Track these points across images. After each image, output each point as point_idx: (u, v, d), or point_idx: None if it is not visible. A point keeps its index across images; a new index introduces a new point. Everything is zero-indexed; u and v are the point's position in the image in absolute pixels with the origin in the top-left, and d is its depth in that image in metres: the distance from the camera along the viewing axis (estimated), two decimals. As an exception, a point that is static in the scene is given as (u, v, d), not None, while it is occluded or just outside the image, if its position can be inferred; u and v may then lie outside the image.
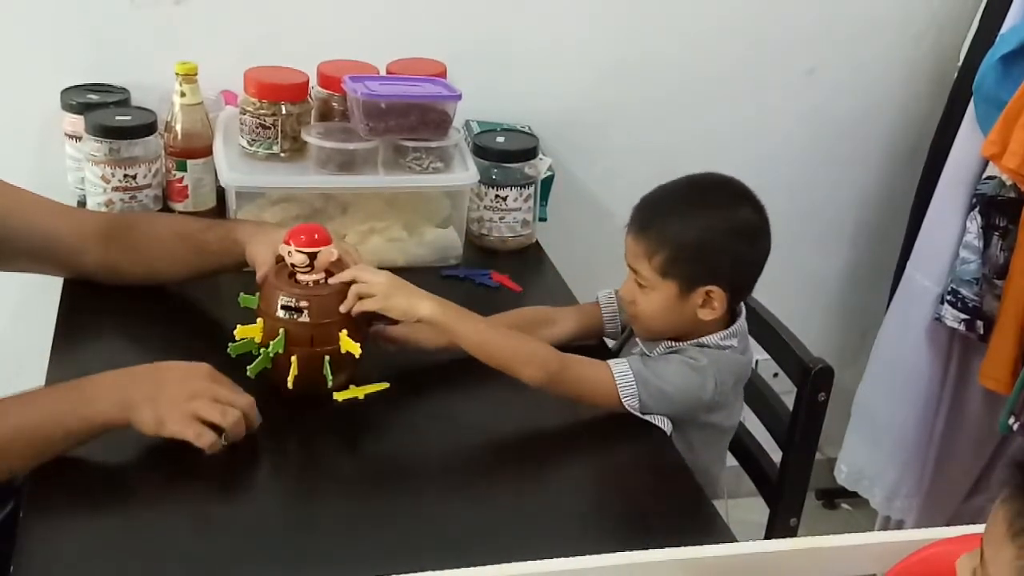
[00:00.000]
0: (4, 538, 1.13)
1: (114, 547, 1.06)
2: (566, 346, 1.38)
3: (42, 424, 1.12)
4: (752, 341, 1.50)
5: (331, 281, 1.28)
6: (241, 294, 1.33)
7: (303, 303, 1.26)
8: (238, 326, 1.27)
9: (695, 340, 1.36)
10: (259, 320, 1.28)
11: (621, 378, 1.30)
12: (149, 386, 1.15)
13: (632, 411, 1.30)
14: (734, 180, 1.36)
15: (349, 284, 1.28)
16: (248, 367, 1.27)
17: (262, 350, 1.27)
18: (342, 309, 1.27)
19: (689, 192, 1.36)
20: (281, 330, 1.25)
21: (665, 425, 1.33)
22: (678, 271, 1.31)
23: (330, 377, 1.27)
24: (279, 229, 1.37)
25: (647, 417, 1.31)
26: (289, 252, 1.27)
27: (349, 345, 1.26)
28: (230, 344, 1.28)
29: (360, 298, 1.27)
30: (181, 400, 1.14)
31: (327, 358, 1.26)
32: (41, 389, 1.16)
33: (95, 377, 1.16)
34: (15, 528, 1.09)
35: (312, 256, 1.27)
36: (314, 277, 1.28)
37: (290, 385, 1.25)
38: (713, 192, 1.36)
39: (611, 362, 1.32)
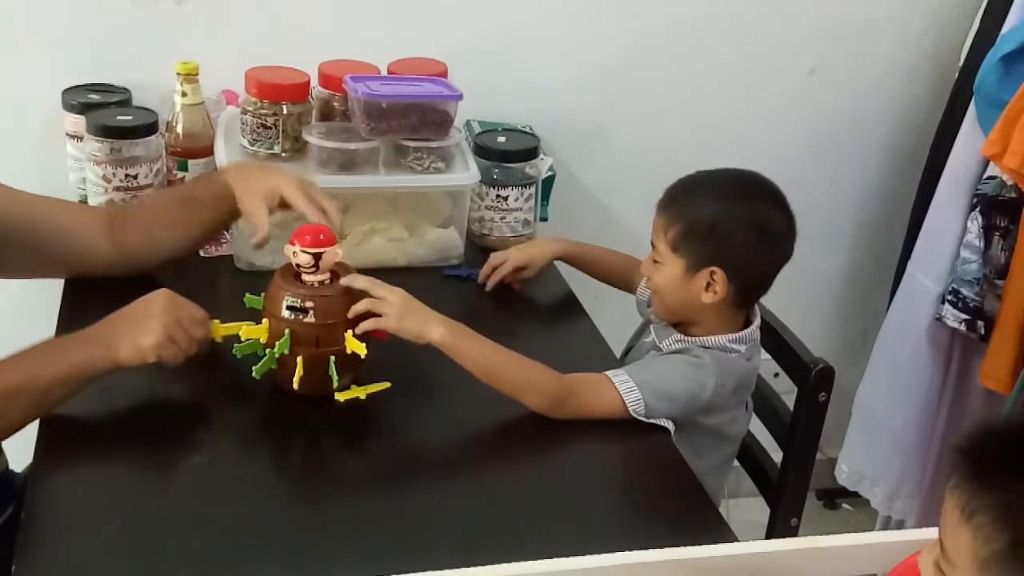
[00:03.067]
0: (5, 541, 1.14)
1: (115, 548, 1.06)
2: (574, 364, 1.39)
3: (37, 375, 1.18)
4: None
5: (342, 283, 1.28)
6: (246, 295, 1.33)
7: (308, 303, 1.26)
8: (243, 326, 1.27)
9: (701, 339, 1.37)
10: (264, 321, 1.28)
11: (623, 386, 1.31)
12: (119, 322, 1.24)
13: (639, 417, 1.31)
14: (770, 182, 1.38)
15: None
16: (254, 368, 1.27)
17: (268, 351, 1.27)
18: (350, 315, 1.27)
19: (721, 178, 1.38)
20: (286, 330, 1.25)
21: (669, 425, 1.33)
22: (687, 248, 1.34)
23: (336, 377, 1.27)
24: (265, 171, 1.45)
25: (651, 420, 1.32)
26: (294, 252, 1.27)
27: (355, 345, 1.26)
28: (235, 345, 1.28)
29: (369, 312, 1.28)
30: (146, 319, 1.23)
31: (333, 358, 1.26)
32: (23, 349, 1.22)
33: (74, 333, 1.24)
34: (16, 531, 1.09)
35: (317, 256, 1.27)
36: (319, 277, 1.29)
37: (296, 386, 1.25)
38: (744, 184, 1.38)
39: (610, 374, 1.33)
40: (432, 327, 1.28)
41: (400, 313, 1.27)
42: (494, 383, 1.30)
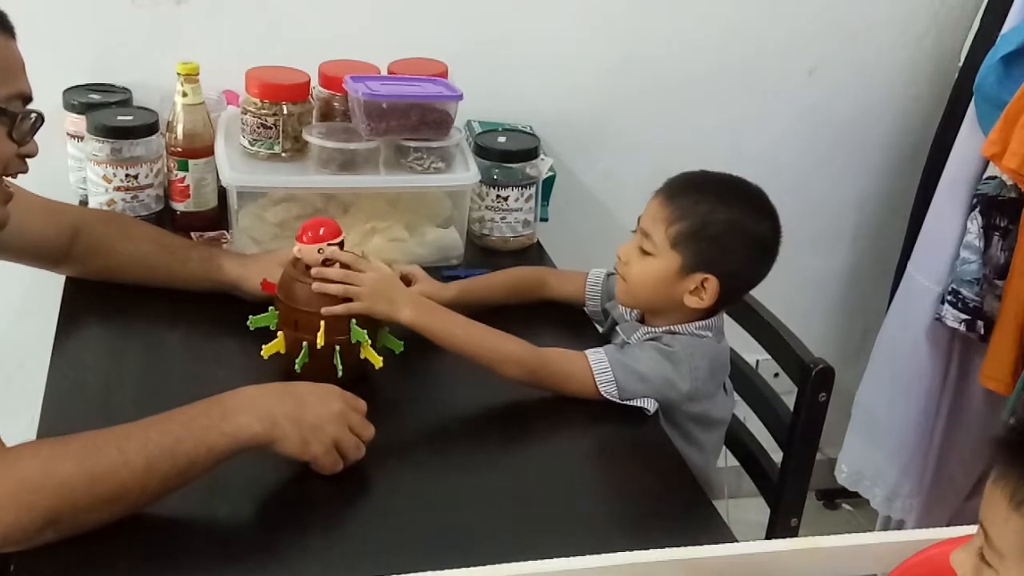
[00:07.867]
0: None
1: (115, 548, 1.06)
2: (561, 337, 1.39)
3: (183, 440, 1.06)
4: (751, 341, 1.50)
5: (326, 255, 1.30)
6: (251, 317, 1.34)
7: None
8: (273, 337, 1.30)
9: (668, 328, 1.37)
10: (280, 334, 1.29)
11: (597, 365, 1.32)
12: (290, 404, 1.13)
13: (611, 398, 1.31)
14: (766, 196, 1.37)
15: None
16: (296, 362, 1.28)
17: (305, 344, 1.28)
18: (324, 312, 1.28)
19: (729, 184, 1.37)
20: (321, 323, 1.27)
21: (649, 404, 1.33)
22: (690, 247, 1.32)
23: (399, 342, 1.34)
24: (267, 254, 1.45)
25: (630, 402, 1.32)
26: (320, 249, 1.29)
27: (368, 352, 1.30)
28: (251, 317, 1.32)
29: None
30: (323, 422, 1.13)
31: (386, 328, 1.34)
32: (174, 409, 1.09)
33: (232, 393, 1.12)
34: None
35: (341, 245, 1.31)
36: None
37: (339, 375, 1.27)
38: (750, 196, 1.37)
39: (587, 352, 1.34)
40: (401, 309, 1.30)
41: (370, 294, 1.29)
42: (470, 356, 1.31)
